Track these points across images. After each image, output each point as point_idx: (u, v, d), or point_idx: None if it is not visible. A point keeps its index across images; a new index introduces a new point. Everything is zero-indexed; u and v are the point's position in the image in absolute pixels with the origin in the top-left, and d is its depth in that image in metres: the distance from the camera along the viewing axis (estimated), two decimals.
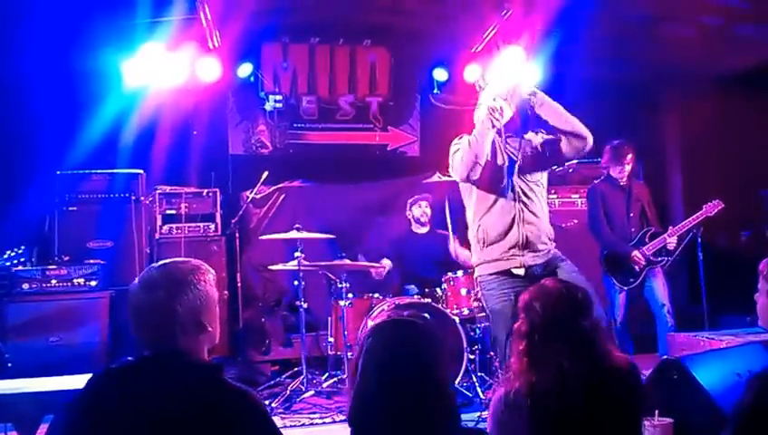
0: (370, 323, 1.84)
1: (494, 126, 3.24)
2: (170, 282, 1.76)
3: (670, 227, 4.71)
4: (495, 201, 3.37)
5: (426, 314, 1.86)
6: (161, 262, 1.85)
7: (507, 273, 3.35)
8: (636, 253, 4.66)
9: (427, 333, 1.71)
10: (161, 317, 1.74)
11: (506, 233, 3.33)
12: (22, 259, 4.08)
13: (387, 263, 5.29)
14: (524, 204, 3.36)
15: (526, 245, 3.32)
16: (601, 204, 4.82)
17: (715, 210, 4.65)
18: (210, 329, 1.79)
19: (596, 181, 5.04)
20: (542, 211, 3.45)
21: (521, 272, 3.31)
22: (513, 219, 3.33)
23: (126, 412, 1.62)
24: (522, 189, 3.38)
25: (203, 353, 1.81)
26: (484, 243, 3.39)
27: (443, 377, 1.68)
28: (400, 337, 1.70)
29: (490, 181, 3.37)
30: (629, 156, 4.75)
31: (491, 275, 3.38)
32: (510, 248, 3.32)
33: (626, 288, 4.72)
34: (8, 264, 4.06)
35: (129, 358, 1.76)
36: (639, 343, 4.81)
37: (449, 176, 6.17)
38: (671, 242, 4.66)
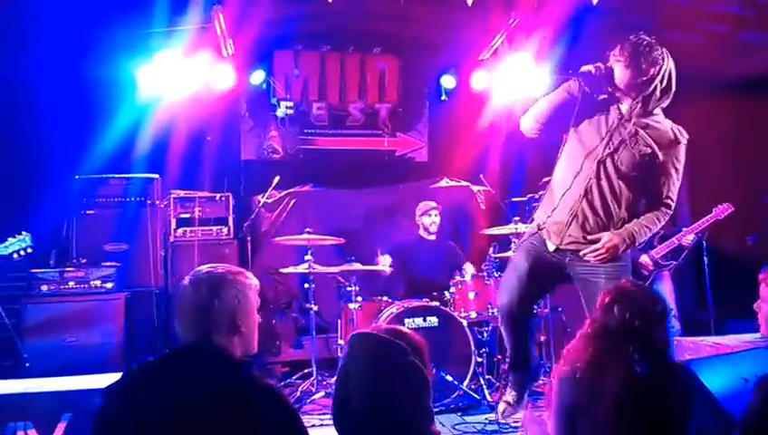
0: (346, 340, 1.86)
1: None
2: (213, 280, 1.88)
3: (684, 228, 4.72)
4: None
5: (405, 334, 1.75)
6: (212, 264, 1.96)
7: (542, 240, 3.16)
8: (643, 257, 4.67)
9: (389, 352, 1.67)
10: (200, 314, 1.84)
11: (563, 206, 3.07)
12: (28, 249, 4.11)
13: (385, 259, 5.33)
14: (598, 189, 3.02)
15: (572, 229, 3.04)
16: None
17: (725, 214, 4.65)
18: (244, 330, 1.88)
19: None
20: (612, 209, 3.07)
21: (551, 247, 3.12)
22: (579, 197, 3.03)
23: (158, 403, 1.70)
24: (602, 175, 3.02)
25: (235, 354, 1.88)
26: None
27: (400, 405, 1.65)
28: (362, 349, 1.72)
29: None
30: None
31: (530, 232, 3.22)
32: (555, 223, 3.08)
33: None
34: (14, 253, 4.07)
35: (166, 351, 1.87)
36: None
37: (457, 181, 6.33)
38: (687, 241, 4.66)
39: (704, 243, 4.82)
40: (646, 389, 1.96)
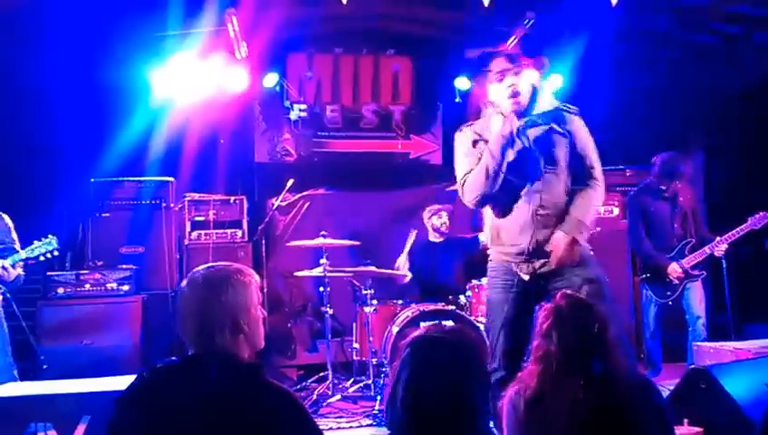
0: (414, 333, 1.83)
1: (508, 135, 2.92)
2: (211, 281, 1.84)
3: (717, 238, 4.64)
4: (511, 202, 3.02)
5: (464, 330, 1.81)
6: (208, 264, 1.92)
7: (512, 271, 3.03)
8: (673, 266, 4.60)
9: (462, 354, 1.71)
10: (201, 316, 1.80)
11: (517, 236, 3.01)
12: (54, 252, 4.13)
13: (403, 263, 5.32)
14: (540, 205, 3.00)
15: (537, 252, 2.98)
16: (641, 215, 4.75)
17: (762, 223, 4.52)
18: (247, 330, 1.83)
19: (635, 190, 4.96)
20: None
21: (526, 278, 3.01)
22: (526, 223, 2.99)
23: (170, 410, 1.68)
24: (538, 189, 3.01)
25: (242, 355, 1.84)
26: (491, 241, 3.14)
27: (474, 398, 1.67)
28: (436, 355, 1.70)
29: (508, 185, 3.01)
30: (688, 169, 4.69)
31: (497, 264, 3.08)
32: (518, 254, 3.00)
33: (662, 301, 4.67)
34: (41, 256, 4.09)
35: (173, 358, 1.83)
36: (670, 352, 4.80)
37: None
38: (719, 250, 4.58)
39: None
40: (595, 413, 1.94)
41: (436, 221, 5.39)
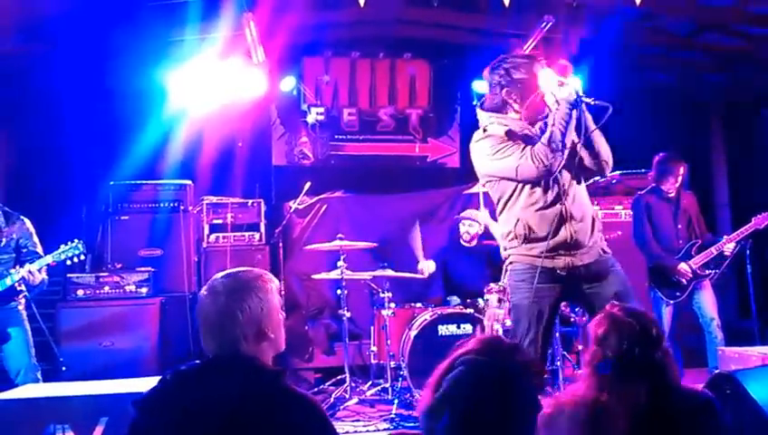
0: (469, 344, 1.77)
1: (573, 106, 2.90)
2: (233, 289, 1.80)
3: (725, 237, 4.59)
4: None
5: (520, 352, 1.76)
6: (227, 270, 1.89)
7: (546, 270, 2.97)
8: (682, 266, 4.56)
9: (517, 386, 1.65)
10: (224, 325, 1.77)
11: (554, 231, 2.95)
12: (81, 256, 4.17)
13: (429, 265, 5.30)
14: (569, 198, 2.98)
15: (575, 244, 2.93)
16: (647, 216, 4.73)
17: (765, 223, 4.53)
18: (272, 336, 1.82)
19: (641, 192, 4.97)
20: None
21: (563, 273, 2.96)
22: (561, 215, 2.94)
23: (191, 414, 1.66)
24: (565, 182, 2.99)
25: (267, 361, 1.83)
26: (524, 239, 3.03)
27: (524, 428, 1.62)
28: (491, 382, 1.65)
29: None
30: (681, 170, 4.66)
31: (527, 265, 2.99)
32: (555, 248, 2.93)
33: (672, 302, 4.63)
34: (64, 257, 4.15)
35: (196, 361, 1.81)
36: (688, 356, 4.72)
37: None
38: (727, 250, 4.54)
39: (747, 251, 4.69)
40: (657, 422, 1.88)
41: (461, 228, 5.36)
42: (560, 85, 2.94)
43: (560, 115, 2.89)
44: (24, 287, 4.01)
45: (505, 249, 3.08)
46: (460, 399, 1.64)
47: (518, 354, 1.72)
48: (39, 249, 4.10)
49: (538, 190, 2.96)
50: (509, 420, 1.61)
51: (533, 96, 2.99)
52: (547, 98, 2.97)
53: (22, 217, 4.13)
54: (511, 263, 3.05)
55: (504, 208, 3.07)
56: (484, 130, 3.06)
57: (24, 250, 4.06)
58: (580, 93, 2.90)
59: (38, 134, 5.44)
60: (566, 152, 2.88)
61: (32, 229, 4.14)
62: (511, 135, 2.99)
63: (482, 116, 3.09)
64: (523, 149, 2.92)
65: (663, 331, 2.05)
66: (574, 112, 2.88)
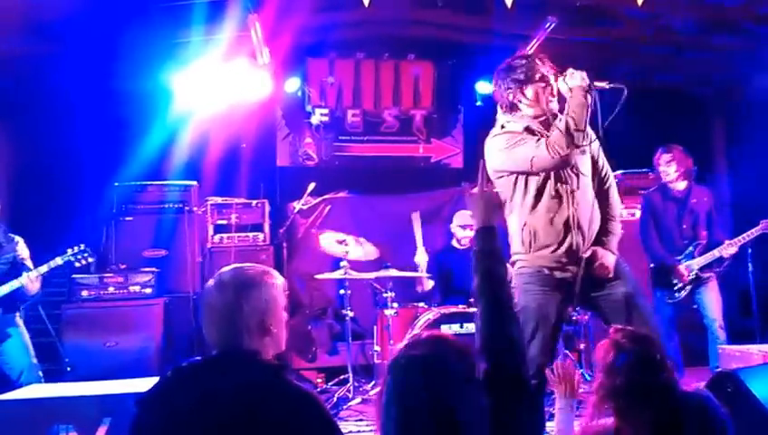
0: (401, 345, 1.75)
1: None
2: (239, 283, 1.83)
3: (726, 241, 4.58)
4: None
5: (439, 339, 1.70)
6: (234, 265, 1.92)
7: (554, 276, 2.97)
8: (680, 267, 4.55)
9: (438, 370, 1.59)
10: (228, 316, 1.80)
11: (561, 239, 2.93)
12: (87, 258, 4.25)
13: (428, 282, 5.31)
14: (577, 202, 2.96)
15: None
16: (651, 215, 4.72)
17: None
18: (274, 331, 1.84)
19: (648, 191, 4.93)
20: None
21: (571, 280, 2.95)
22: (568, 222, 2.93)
23: (193, 410, 1.68)
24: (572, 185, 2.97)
25: (268, 357, 1.84)
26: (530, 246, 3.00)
27: (465, 411, 1.57)
28: (411, 374, 1.60)
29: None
30: (662, 158, 4.62)
31: (534, 270, 2.97)
32: (565, 254, 2.93)
33: (671, 302, 4.62)
34: (72, 259, 4.25)
35: (198, 357, 1.84)
36: (690, 355, 4.72)
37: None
38: (727, 253, 4.51)
39: (749, 250, 4.67)
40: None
41: (459, 232, 5.33)
42: (570, 75, 2.92)
43: (574, 102, 2.87)
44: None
45: (513, 253, 3.07)
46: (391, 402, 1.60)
47: (447, 343, 1.67)
48: (29, 263, 4.23)
49: (546, 194, 2.95)
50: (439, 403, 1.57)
51: (541, 91, 2.99)
52: (560, 87, 2.95)
53: (18, 238, 4.28)
54: (518, 266, 3.05)
55: (511, 211, 3.05)
56: (502, 127, 3.06)
57: (20, 265, 4.19)
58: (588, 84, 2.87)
59: (44, 135, 5.47)
60: (586, 139, 2.86)
61: (23, 247, 4.27)
62: (529, 131, 2.99)
63: (501, 117, 3.09)
64: (539, 139, 2.92)
65: (664, 352, 2.07)
66: (588, 98, 2.86)
